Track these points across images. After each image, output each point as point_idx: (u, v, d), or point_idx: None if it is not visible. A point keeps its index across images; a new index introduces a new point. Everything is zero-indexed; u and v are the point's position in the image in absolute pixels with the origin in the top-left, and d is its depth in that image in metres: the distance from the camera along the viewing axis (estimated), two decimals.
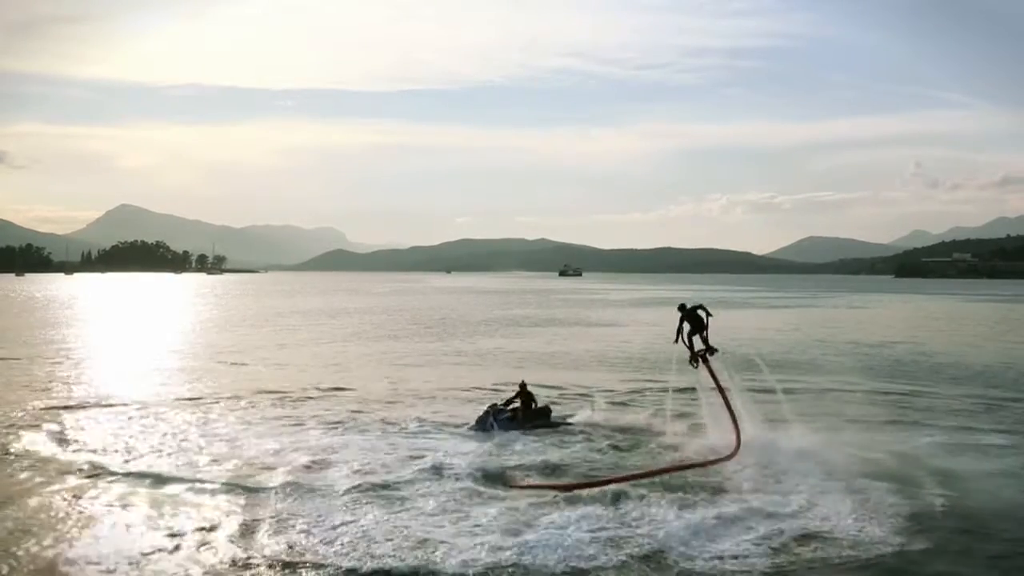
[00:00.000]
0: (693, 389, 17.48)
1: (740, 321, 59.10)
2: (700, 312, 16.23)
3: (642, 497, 12.12)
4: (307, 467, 14.00)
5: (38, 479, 13.42)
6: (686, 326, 16.29)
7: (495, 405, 17.84)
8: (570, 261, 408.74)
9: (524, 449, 15.46)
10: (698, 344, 16.29)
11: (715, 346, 16.26)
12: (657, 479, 13.03)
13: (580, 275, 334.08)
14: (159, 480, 13.33)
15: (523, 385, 18.19)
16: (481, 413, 17.48)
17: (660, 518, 11.15)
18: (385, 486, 12.79)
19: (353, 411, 19.61)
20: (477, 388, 23.59)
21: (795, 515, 11.45)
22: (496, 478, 13.36)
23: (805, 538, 10.62)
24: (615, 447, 15.77)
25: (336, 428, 17.60)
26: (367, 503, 11.90)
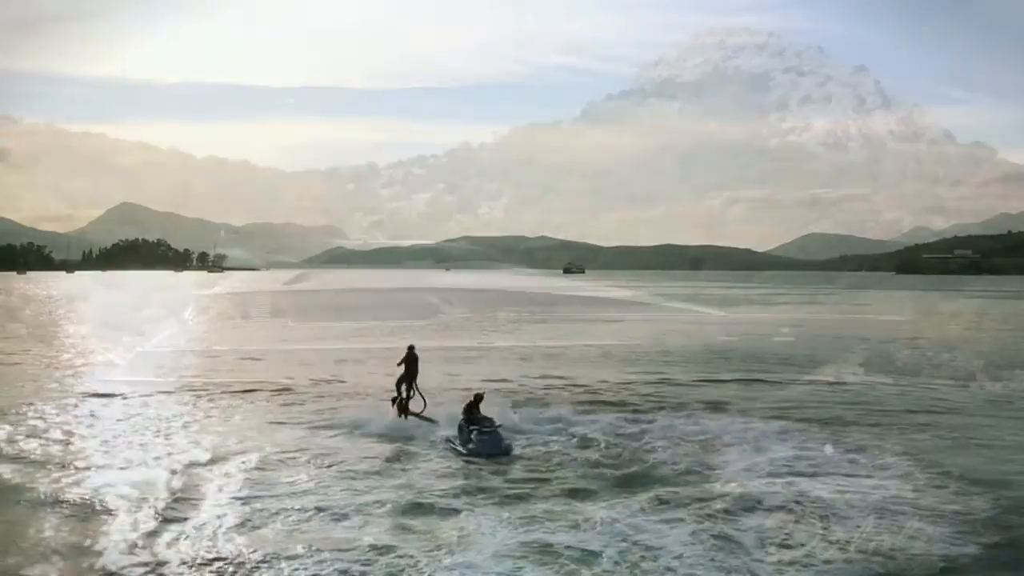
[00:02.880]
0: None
1: (740, 318, 59.05)
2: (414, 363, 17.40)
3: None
4: (293, 469, 13.89)
5: (26, 471, 13.38)
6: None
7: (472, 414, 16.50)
8: (571, 258, 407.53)
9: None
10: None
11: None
12: None
13: (583, 272, 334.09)
14: (145, 475, 13.30)
15: (478, 398, 17.07)
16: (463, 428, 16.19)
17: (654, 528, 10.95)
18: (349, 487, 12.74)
19: (349, 410, 19.50)
20: (472, 387, 23.42)
21: (809, 514, 11.30)
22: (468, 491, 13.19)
23: (826, 538, 10.47)
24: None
25: (329, 428, 17.49)
26: (341, 507, 11.84)
